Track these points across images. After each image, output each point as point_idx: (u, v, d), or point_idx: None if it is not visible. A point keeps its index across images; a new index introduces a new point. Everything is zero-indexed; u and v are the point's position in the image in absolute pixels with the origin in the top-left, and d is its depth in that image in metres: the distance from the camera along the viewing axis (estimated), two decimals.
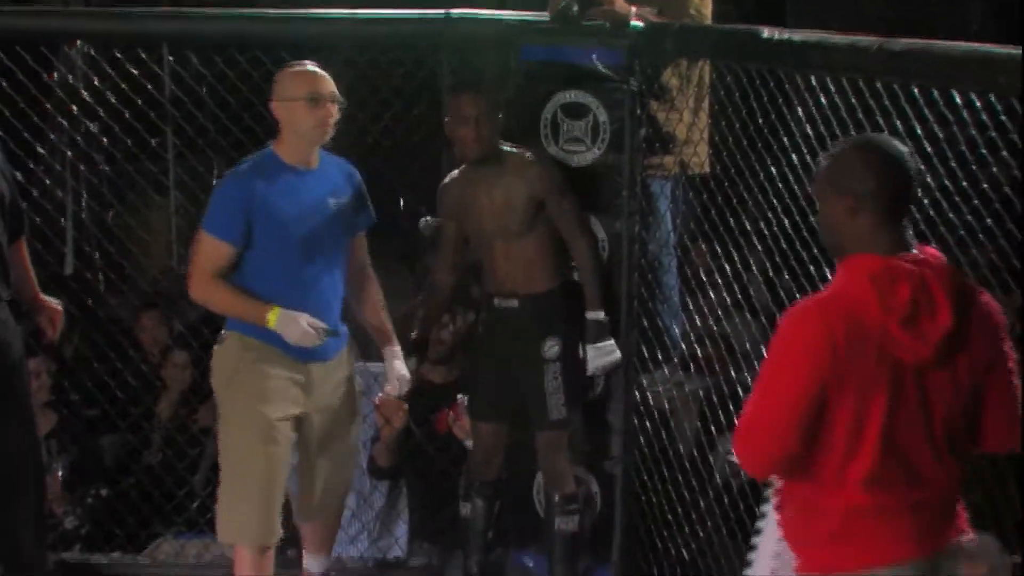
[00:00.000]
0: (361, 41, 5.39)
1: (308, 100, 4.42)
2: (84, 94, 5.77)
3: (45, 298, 4.93)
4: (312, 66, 4.50)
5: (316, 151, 4.54)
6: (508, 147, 4.99)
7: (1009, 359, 3.18)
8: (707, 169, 5.17)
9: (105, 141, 6.02)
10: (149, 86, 5.70)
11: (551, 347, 4.99)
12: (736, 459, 3.22)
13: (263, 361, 4.48)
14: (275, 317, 4.39)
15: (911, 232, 3.13)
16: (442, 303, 5.27)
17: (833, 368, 3.01)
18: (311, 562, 4.92)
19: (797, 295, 4.59)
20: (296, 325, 4.39)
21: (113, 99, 5.79)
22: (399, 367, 4.78)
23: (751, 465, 3.16)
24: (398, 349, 4.80)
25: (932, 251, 3.15)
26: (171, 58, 5.64)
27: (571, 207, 5.00)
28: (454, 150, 5.04)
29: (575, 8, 5.02)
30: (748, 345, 5.19)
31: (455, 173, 5.11)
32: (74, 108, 5.79)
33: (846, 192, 3.10)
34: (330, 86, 4.48)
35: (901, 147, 3.14)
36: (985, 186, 4.14)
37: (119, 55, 5.57)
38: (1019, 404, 3.19)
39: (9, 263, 4.70)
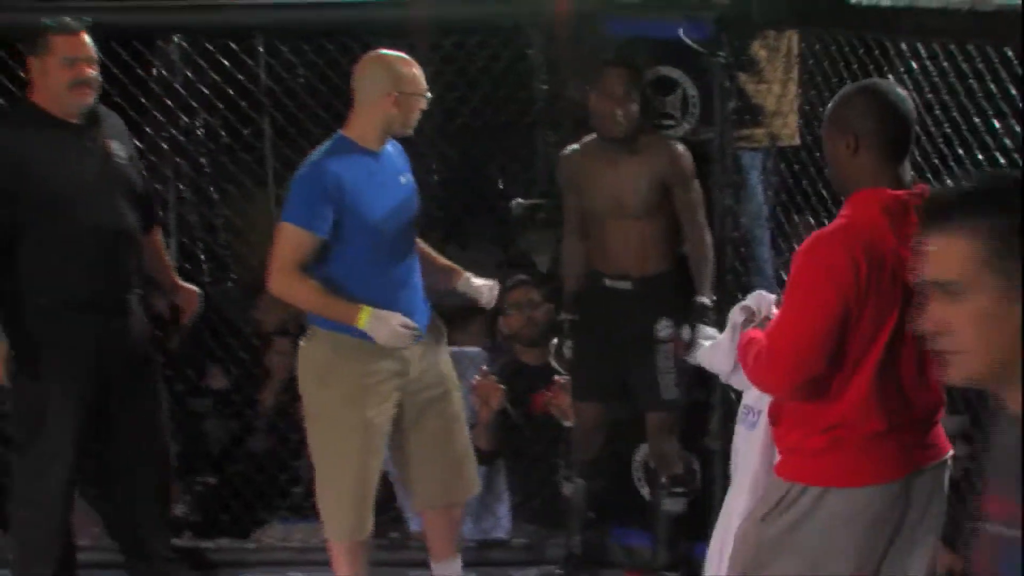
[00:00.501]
0: (448, 24, 5.41)
1: (423, 95, 4.38)
2: (180, 89, 5.83)
3: (182, 282, 5.05)
4: (409, 57, 4.43)
5: None
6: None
7: None
8: (797, 140, 5.12)
9: (201, 134, 6.09)
10: (242, 78, 5.75)
11: (664, 328, 4.95)
12: (738, 378, 3.47)
13: (357, 358, 4.38)
14: (366, 317, 4.28)
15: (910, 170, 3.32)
16: (581, 278, 5.16)
17: (856, 290, 3.19)
18: (440, 567, 4.77)
19: None
20: (386, 326, 4.29)
21: (210, 93, 5.85)
22: (477, 280, 4.67)
23: (775, 386, 3.31)
24: (467, 273, 4.70)
25: (923, 186, 3.33)
26: (261, 49, 5.67)
27: (697, 196, 4.93)
28: (593, 124, 4.94)
29: None
30: None
31: (577, 145, 5.04)
32: (169, 103, 5.86)
33: (849, 131, 3.28)
34: None
35: (901, 91, 3.36)
36: None
37: (212, 48, 5.62)
38: None
39: (143, 253, 4.80)
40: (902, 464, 3.32)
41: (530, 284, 5.78)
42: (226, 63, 5.66)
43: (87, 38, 4.62)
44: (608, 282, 5.01)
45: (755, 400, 3.53)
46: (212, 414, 6.23)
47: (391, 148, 4.51)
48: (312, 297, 4.34)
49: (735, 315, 3.56)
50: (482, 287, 4.68)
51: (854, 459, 3.29)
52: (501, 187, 6.88)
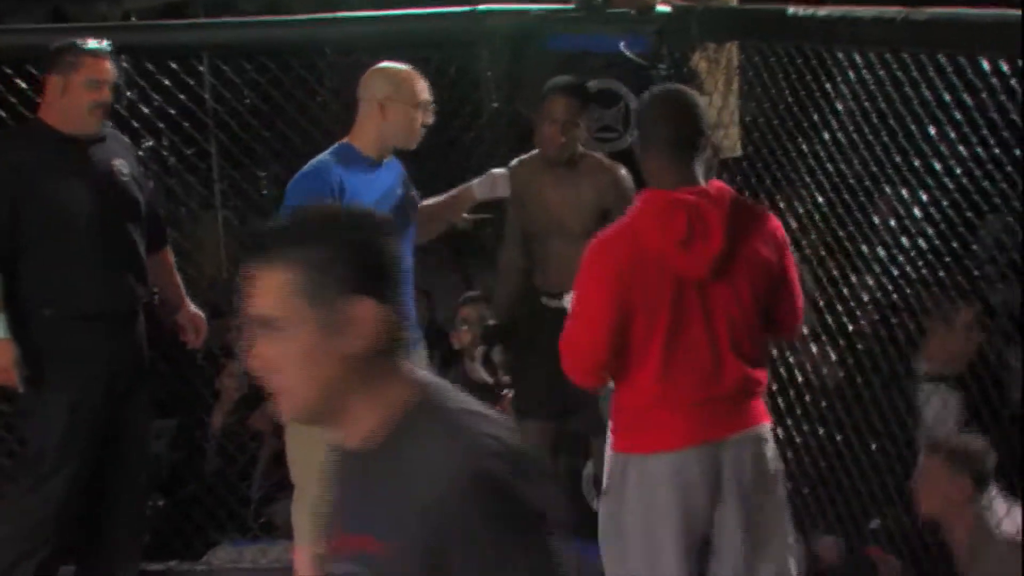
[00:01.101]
0: (391, 40, 5.41)
1: (422, 108, 4.41)
2: (123, 111, 5.80)
3: (191, 307, 5.03)
4: (411, 69, 4.47)
5: None
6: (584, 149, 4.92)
7: (790, 265, 3.80)
8: (739, 151, 5.15)
9: (146, 155, 6.06)
10: (182, 98, 5.73)
11: None
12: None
13: None
14: None
15: (700, 169, 3.66)
16: (516, 287, 5.14)
17: (623, 290, 3.62)
18: None
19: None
20: None
21: (153, 115, 5.84)
22: (480, 179, 4.71)
23: (574, 376, 3.79)
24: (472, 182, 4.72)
25: (718, 184, 3.73)
26: (202, 69, 5.66)
27: None
28: (537, 146, 4.94)
29: None
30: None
31: (525, 157, 5.03)
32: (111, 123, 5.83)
33: (640, 135, 3.73)
34: None
35: (688, 98, 3.73)
36: (1018, 152, 4.11)
37: (154, 69, 5.59)
38: (800, 297, 3.84)
39: (146, 268, 4.82)
40: (709, 431, 3.70)
41: (481, 300, 5.77)
42: (169, 84, 5.63)
43: (111, 63, 4.67)
44: (545, 300, 5.00)
45: None
46: (162, 436, 6.20)
47: (392, 163, 4.54)
48: None
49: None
50: (496, 178, 4.71)
51: (660, 428, 3.69)
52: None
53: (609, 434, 3.89)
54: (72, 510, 4.73)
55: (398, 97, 4.39)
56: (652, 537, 3.75)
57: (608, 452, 3.88)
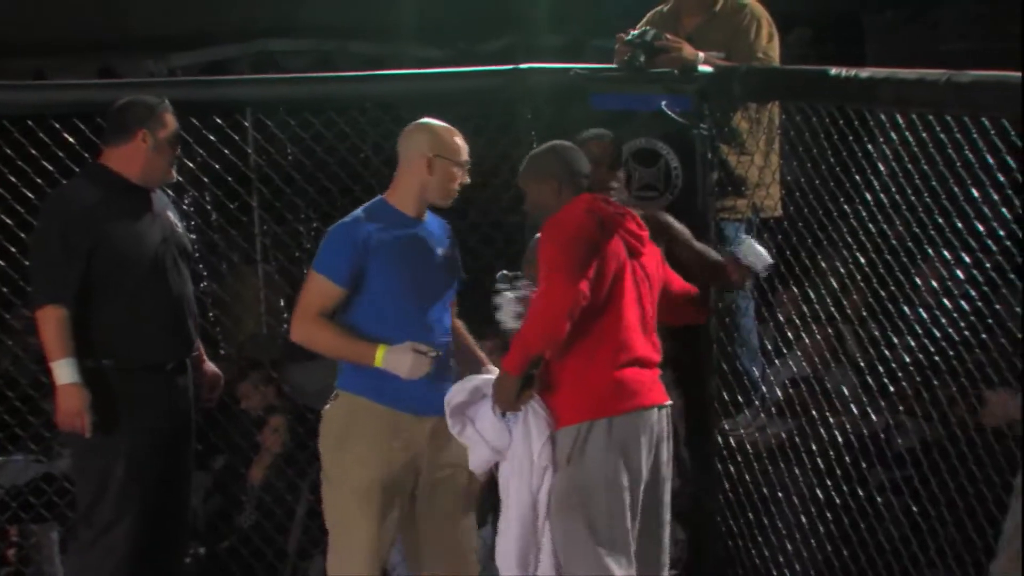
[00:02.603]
0: (434, 97, 5.44)
1: (461, 165, 4.45)
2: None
3: (210, 365, 5.05)
4: (452, 127, 4.52)
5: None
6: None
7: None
8: (780, 211, 5.14)
9: (188, 209, 6.12)
10: (226, 152, 5.78)
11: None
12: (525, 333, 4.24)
13: (374, 422, 4.42)
14: (381, 355, 4.35)
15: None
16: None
17: (599, 245, 4.21)
18: None
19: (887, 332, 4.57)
20: (404, 356, 4.34)
21: (196, 169, 5.88)
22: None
23: (549, 328, 4.15)
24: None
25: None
26: (246, 124, 5.71)
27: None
28: None
29: (642, 57, 5.03)
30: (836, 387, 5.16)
31: None
32: None
33: (552, 178, 4.37)
34: None
35: (573, 146, 4.46)
36: None
37: (198, 125, 5.63)
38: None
39: (197, 319, 4.88)
40: (658, 394, 4.32)
41: None
42: (213, 138, 5.68)
43: None
44: None
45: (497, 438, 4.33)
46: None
47: (435, 223, 4.58)
48: (332, 341, 4.44)
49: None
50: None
51: (626, 389, 4.23)
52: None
53: (542, 411, 4.25)
54: (139, 563, 4.67)
55: (442, 152, 4.43)
56: (617, 496, 4.19)
57: (544, 429, 4.23)
